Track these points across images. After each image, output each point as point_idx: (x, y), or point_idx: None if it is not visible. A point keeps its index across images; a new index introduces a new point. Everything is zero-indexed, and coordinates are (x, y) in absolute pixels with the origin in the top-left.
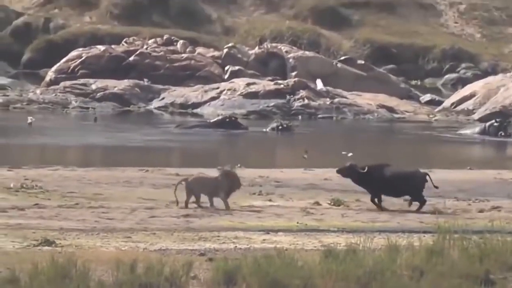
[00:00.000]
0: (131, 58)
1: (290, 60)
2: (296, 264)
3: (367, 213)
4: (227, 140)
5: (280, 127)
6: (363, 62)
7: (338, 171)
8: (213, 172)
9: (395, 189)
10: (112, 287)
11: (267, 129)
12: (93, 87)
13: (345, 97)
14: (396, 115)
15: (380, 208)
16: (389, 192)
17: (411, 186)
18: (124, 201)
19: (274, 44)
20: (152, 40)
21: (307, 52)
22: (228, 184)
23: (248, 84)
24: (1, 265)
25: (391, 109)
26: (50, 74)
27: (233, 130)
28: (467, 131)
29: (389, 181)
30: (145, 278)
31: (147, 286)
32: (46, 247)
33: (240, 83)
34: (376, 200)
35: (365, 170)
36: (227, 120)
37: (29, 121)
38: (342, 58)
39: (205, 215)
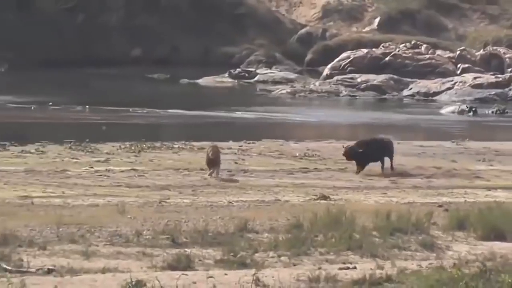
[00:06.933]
0: (387, 58)
1: (507, 59)
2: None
3: None
4: (459, 121)
5: (498, 111)
6: None
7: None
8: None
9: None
10: (372, 230)
11: (489, 111)
12: (358, 80)
13: None
14: None
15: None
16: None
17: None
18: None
19: (494, 48)
20: (403, 44)
21: None
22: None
23: (475, 78)
24: (290, 214)
25: None
26: (326, 71)
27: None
28: None
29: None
30: (397, 224)
31: (399, 230)
32: (323, 201)
33: (469, 77)
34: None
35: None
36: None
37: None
38: None
39: (443, 176)
